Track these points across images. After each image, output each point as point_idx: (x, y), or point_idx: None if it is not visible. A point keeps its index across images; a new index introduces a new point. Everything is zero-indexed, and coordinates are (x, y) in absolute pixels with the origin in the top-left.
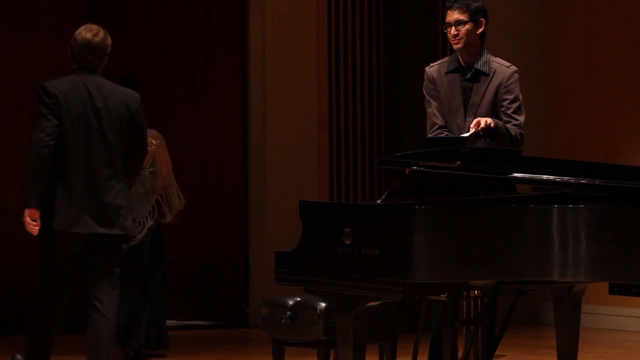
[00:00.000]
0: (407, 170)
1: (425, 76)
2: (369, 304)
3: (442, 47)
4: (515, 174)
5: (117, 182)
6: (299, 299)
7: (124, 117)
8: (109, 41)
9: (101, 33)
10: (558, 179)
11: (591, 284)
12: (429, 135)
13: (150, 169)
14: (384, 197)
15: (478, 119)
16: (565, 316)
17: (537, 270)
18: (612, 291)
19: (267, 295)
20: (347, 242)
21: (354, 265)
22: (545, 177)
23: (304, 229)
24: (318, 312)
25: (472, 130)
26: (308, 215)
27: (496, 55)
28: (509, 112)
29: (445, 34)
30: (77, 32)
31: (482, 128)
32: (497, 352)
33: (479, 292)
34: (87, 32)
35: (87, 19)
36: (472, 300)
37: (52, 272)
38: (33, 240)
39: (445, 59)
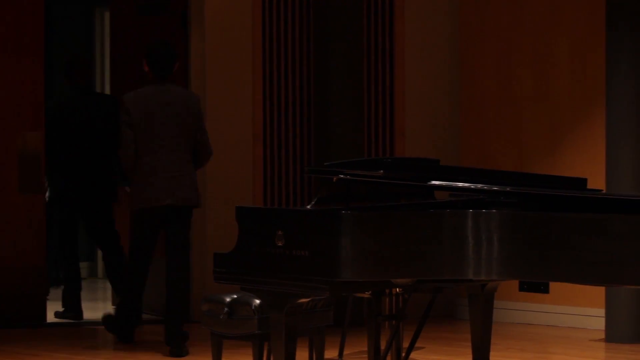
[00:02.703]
0: (334, 179)
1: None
2: (300, 301)
3: (367, 66)
4: (434, 182)
5: None
6: (235, 296)
7: None
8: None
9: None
10: (472, 186)
11: (503, 281)
12: None
13: None
14: (313, 203)
15: None
16: (479, 311)
17: (454, 269)
18: (522, 288)
19: (207, 292)
20: (280, 244)
21: (285, 266)
22: (460, 184)
23: (240, 232)
24: (253, 308)
25: None
26: (244, 219)
27: (419, 72)
28: None
29: (370, 54)
30: None
31: None
32: (417, 345)
33: (400, 289)
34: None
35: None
36: (393, 297)
37: None
38: None
39: None
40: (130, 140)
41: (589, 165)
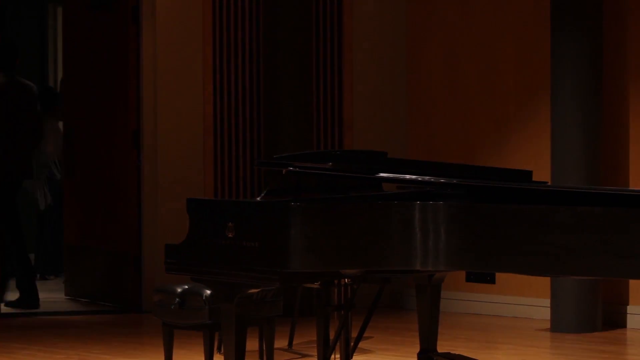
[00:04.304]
0: (284, 171)
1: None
2: (250, 291)
3: (315, 60)
4: (382, 174)
5: None
6: (186, 286)
7: None
8: None
9: None
10: (420, 178)
11: (450, 272)
12: None
13: None
14: (263, 194)
15: None
16: (427, 301)
17: (401, 260)
18: (468, 279)
19: (158, 283)
20: (230, 236)
21: (236, 257)
22: (408, 176)
23: (191, 223)
24: (204, 298)
25: None
26: (195, 211)
27: (367, 66)
28: None
29: (319, 49)
30: None
31: None
32: (365, 334)
33: (349, 280)
34: None
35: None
36: (342, 288)
37: None
38: None
39: None
40: None
41: (535, 157)
